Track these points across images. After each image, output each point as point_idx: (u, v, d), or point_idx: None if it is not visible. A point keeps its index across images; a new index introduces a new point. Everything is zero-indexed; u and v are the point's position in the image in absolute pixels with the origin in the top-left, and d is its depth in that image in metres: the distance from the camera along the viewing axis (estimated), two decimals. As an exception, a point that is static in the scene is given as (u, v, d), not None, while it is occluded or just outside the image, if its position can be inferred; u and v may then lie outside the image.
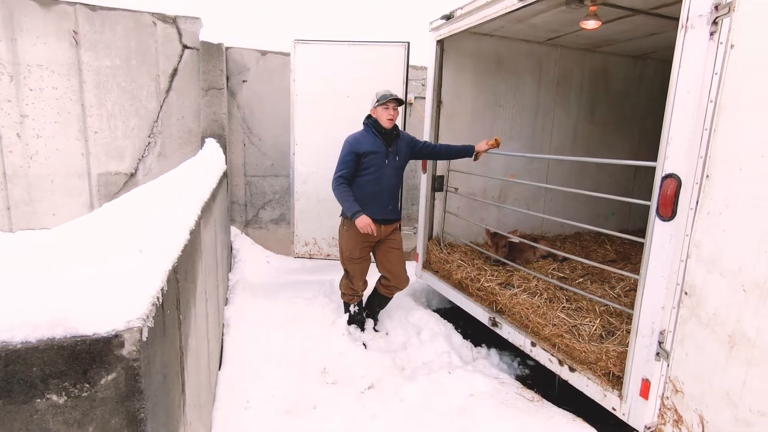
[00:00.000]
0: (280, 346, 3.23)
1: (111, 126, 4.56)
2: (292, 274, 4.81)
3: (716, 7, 1.76)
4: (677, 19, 1.95)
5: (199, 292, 1.78)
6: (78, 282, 0.78)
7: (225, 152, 4.70)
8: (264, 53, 5.11)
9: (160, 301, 0.97)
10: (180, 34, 4.64)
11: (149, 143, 4.73)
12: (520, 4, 2.88)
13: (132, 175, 4.74)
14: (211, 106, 4.74)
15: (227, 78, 4.98)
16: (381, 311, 3.78)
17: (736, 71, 1.65)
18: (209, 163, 3.28)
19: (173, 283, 1.17)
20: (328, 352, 3.22)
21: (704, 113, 1.80)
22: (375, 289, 3.70)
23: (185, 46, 4.67)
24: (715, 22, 1.77)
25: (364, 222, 3.12)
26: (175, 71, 4.69)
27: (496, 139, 3.51)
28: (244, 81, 5.08)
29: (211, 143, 4.42)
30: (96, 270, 0.82)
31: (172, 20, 4.59)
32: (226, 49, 4.95)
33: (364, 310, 3.72)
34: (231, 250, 5.06)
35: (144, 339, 0.82)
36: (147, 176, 4.75)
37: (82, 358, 0.75)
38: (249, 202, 5.41)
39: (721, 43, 1.74)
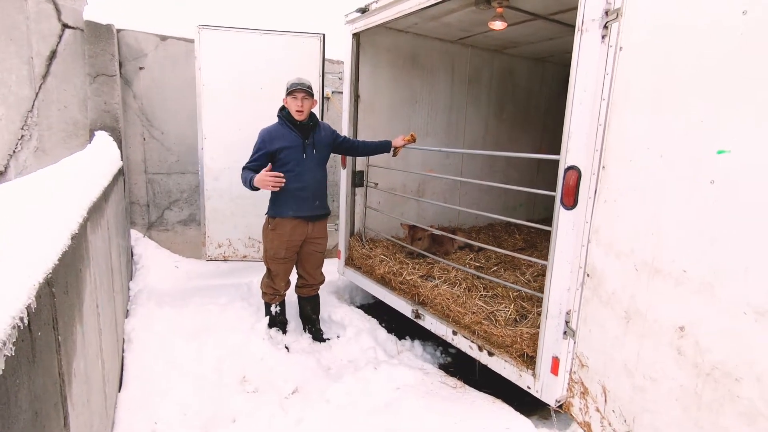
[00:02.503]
0: (191, 357, 2.96)
1: (-30, 115, 3.83)
2: (204, 279, 4.46)
3: (606, 13, 1.92)
4: (572, 26, 2.10)
5: (88, 307, 1.54)
6: None
7: (120, 147, 4.20)
8: (164, 38, 4.64)
9: (26, 322, 0.79)
10: (58, 11, 4.03)
11: (23, 136, 4.06)
12: (433, 1, 2.93)
13: (1, 173, 4.03)
14: (101, 95, 4.19)
15: (120, 64, 4.45)
16: (318, 316, 3.62)
17: (625, 71, 1.82)
18: (99, 158, 2.89)
19: (47, 299, 0.97)
20: (247, 359, 3.03)
21: (599, 110, 1.96)
22: (298, 299, 3.57)
23: (66, 26, 4.07)
24: (606, 26, 1.93)
25: (260, 177, 2.92)
26: (53, 53, 4.07)
27: (412, 135, 3.56)
28: (141, 68, 4.58)
29: (103, 137, 3.92)
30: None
31: (48, -6, 3.97)
32: (118, 31, 4.41)
33: (307, 326, 3.57)
34: (132, 255, 4.55)
35: (-1, 372, 0.65)
36: (21, 174, 4.07)
37: None
38: (152, 203, 4.90)
39: (611, 46, 1.90)
